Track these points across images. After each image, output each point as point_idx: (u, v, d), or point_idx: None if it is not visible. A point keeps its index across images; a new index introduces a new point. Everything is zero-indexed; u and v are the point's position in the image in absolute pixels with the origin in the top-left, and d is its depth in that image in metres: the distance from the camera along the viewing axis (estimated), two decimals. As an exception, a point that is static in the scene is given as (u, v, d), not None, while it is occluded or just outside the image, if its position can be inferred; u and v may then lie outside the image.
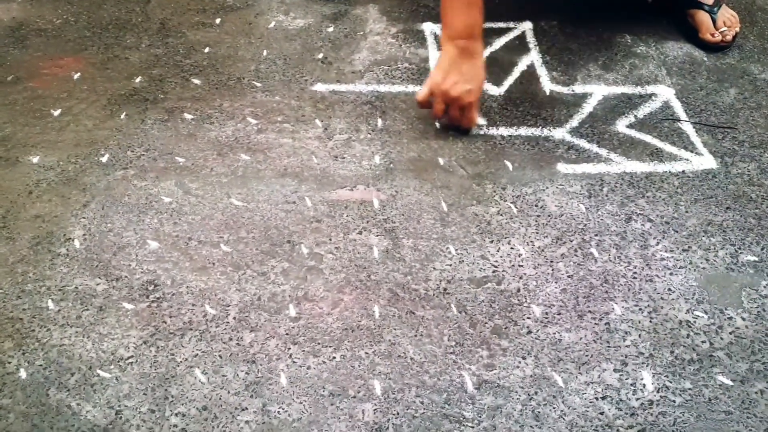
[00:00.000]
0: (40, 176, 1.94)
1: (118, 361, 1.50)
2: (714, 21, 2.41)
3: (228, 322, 1.58)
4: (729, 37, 2.41)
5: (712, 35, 2.41)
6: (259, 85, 2.29)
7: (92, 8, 2.67)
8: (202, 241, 1.77)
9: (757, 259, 1.73)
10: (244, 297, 1.64)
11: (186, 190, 1.91)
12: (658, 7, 2.60)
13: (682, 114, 2.17)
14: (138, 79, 2.31)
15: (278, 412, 1.41)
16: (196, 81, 2.30)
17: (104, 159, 2.00)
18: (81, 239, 1.77)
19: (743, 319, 1.59)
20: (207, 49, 2.45)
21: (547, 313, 1.60)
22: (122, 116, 2.15)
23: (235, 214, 1.84)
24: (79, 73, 2.33)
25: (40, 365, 1.49)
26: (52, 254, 1.73)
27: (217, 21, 2.60)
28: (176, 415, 1.41)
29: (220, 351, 1.52)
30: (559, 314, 1.60)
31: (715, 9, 2.42)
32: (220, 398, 1.44)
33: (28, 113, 2.16)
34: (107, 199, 1.88)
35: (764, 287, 1.66)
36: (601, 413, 1.42)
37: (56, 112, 2.16)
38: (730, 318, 1.59)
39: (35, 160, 1.99)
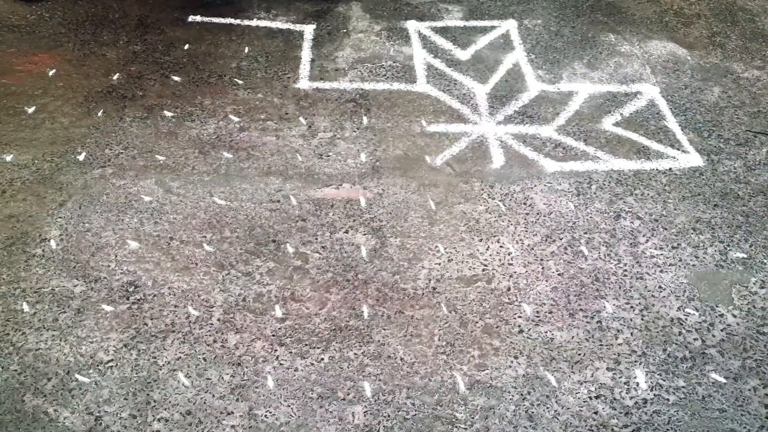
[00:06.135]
0: (14, 175, 1.87)
1: (98, 365, 1.44)
2: None
3: (212, 324, 1.53)
4: None
5: None
6: (240, 82, 2.24)
7: (67, 4, 2.59)
8: (185, 241, 1.72)
9: (746, 256, 1.72)
10: (228, 298, 1.59)
11: (167, 188, 1.85)
12: None
13: (667, 112, 2.17)
14: (116, 76, 2.25)
15: (265, 415, 1.37)
16: (176, 78, 2.25)
17: (81, 157, 1.94)
18: (57, 239, 1.70)
19: (734, 316, 1.58)
20: (187, 46, 2.40)
21: (538, 312, 1.58)
22: (99, 113, 2.09)
23: (218, 213, 1.79)
24: (54, 70, 2.26)
25: (15, 370, 1.43)
26: (27, 255, 1.66)
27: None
28: (159, 420, 1.36)
29: (204, 353, 1.47)
30: (550, 313, 1.58)
31: None
32: (204, 402, 1.39)
33: (1, 110, 2.08)
34: (85, 198, 1.82)
35: (754, 284, 1.66)
36: (596, 413, 1.39)
37: (30, 110, 2.09)
38: (722, 315, 1.58)
39: (9, 158, 1.92)
